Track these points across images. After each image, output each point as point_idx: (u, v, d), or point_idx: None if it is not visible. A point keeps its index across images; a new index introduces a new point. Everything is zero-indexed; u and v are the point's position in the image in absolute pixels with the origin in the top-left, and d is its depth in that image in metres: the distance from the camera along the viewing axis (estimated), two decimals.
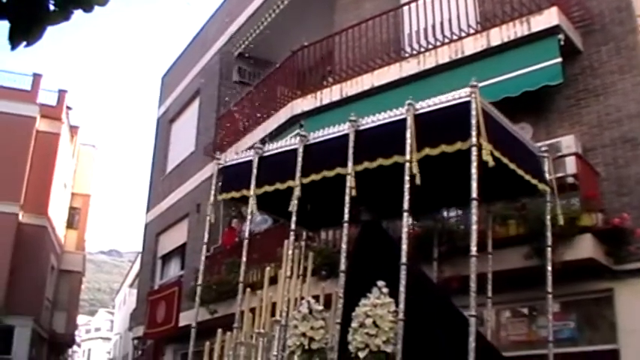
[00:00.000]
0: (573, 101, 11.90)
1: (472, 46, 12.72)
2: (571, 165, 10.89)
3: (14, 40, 3.26)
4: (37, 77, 32.60)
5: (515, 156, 7.85)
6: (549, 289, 8.78)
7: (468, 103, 7.21)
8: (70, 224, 40.43)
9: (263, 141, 16.67)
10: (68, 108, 35.91)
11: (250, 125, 18.30)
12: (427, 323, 7.53)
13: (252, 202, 8.93)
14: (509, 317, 11.72)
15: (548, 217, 9.04)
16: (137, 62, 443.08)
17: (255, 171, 9.00)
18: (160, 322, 21.01)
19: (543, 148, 9.30)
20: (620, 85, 11.44)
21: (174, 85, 27.82)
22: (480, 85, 11.90)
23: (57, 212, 34.87)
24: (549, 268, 8.78)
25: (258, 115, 17.94)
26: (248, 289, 9.06)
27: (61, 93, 34.43)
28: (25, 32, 3.25)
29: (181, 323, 18.98)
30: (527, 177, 8.17)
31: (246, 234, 9.64)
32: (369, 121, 8.07)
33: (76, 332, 47.27)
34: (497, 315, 11.80)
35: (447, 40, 13.28)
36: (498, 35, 12.33)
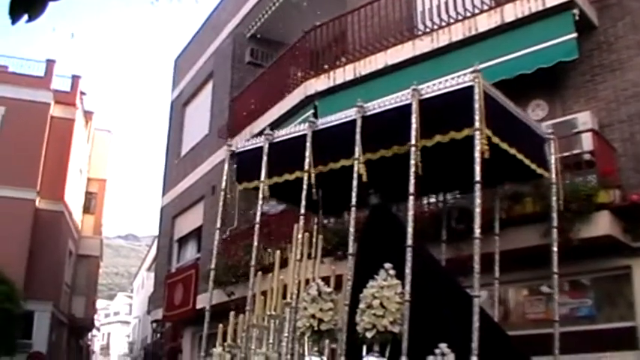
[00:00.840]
0: (589, 77, 11.77)
1: (486, 22, 12.58)
2: (587, 141, 10.79)
3: (15, 13, 3.17)
4: (50, 63, 32.63)
5: (517, 140, 7.90)
6: (555, 269, 8.82)
7: (471, 87, 7.22)
8: (87, 209, 40.61)
9: (277, 123, 16.68)
10: (82, 93, 35.97)
11: (264, 106, 18.26)
12: (434, 304, 7.62)
13: (263, 189, 9.08)
14: (526, 295, 11.67)
15: (554, 198, 9.04)
16: (150, 46, 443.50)
17: (265, 158, 9.10)
18: (177, 305, 21.13)
19: (550, 130, 9.21)
20: (636, 60, 11.29)
21: (187, 68, 27.80)
22: (494, 62, 12.01)
23: (73, 197, 35.04)
24: (555, 249, 8.83)
25: (272, 96, 17.89)
26: (260, 272, 9.16)
27: (75, 79, 34.46)
28: (26, 5, 3.17)
29: (199, 305, 19.06)
30: (527, 162, 8.25)
31: (257, 218, 9.70)
32: (376, 106, 8.11)
33: (95, 316, 47.63)
34: (515, 293, 11.77)
35: (460, 17, 13.15)
36: (512, 11, 12.18)
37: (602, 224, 9.98)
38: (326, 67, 15.71)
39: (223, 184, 10.21)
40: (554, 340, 8.73)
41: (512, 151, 7.81)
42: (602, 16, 11.89)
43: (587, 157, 10.75)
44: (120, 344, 79.44)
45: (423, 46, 13.66)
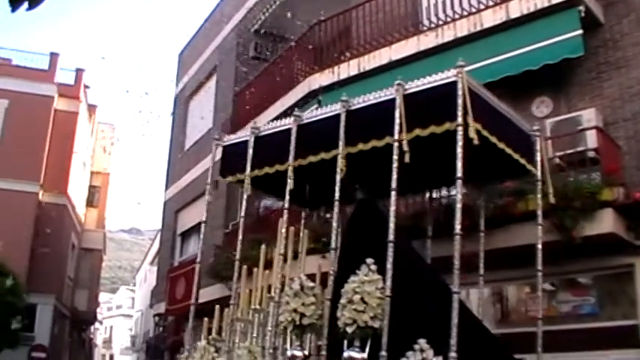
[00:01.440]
0: (594, 74, 11.72)
1: (491, 18, 12.54)
2: (592, 139, 10.76)
3: (15, 1, 3.13)
4: (54, 56, 32.61)
5: (505, 135, 7.93)
6: (539, 267, 8.80)
7: (455, 83, 7.30)
8: (90, 203, 40.63)
9: (280, 117, 16.64)
10: (86, 87, 35.97)
11: (268, 101, 18.23)
12: (416, 300, 7.65)
13: (247, 183, 9.14)
14: (528, 292, 11.63)
15: (539, 195, 9.02)
16: (154, 40, 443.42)
17: (250, 151, 9.17)
18: (180, 299, 21.12)
19: (536, 127, 9.20)
20: None
21: (191, 62, 27.78)
22: (500, 58, 11.96)
23: (77, 191, 35.06)
24: (539, 247, 8.81)
25: (276, 90, 17.86)
26: (244, 267, 9.26)
27: (79, 72, 34.46)
28: None
29: (201, 299, 19.04)
30: (516, 156, 8.26)
31: (242, 213, 9.87)
32: (361, 101, 8.17)
33: (98, 310, 47.73)
34: (517, 290, 11.75)
35: (465, 13, 13.11)
36: (518, 7, 12.13)
37: (605, 222, 9.93)
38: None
39: (209, 179, 10.54)
40: (537, 338, 8.69)
41: (502, 145, 7.83)
42: (607, 13, 11.84)
43: (591, 154, 10.72)
44: (122, 337, 79.52)
45: (427, 41, 13.62)
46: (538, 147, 9.01)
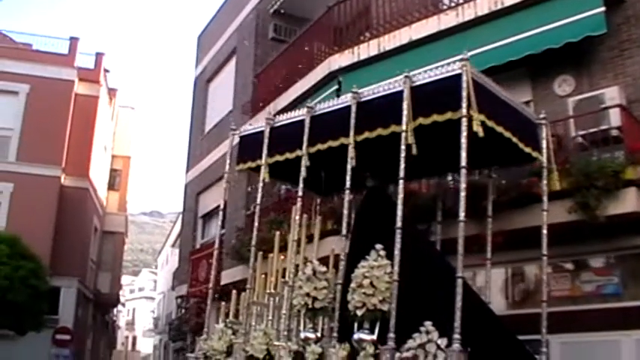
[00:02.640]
0: (617, 52, 11.59)
1: None
2: (615, 117, 10.66)
3: None
4: (74, 41, 32.64)
5: (510, 124, 8.14)
6: (544, 252, 8.93)
7: (459, 75, 7.45)
8: (112, 186, 40.82)
9: (301, 99, 16.64)
10: (106, 71, 36.02)
11: (288, 82, 18.21)
12: (425, 284, 7.85)
13: (263, 172, 9.49)
14: (551, 272, 11.57)
15: (545, 182, 9.17)
16: (173, 22, 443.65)
17: (266, 142, 9.47)
18: (202, 281, 21.25)
19: (542, 116, 9.32)
20: None
21: (210, 45, 27.78)
22: (521, 36, 11.87)
23: (98, 174, 35.23)
24: (545, 231, 8.95)
25: (296, 72, 17.83)
26: (260, 252, 9.69)
27: (99, 56, 34.50)
28: None
29: (223, 282, 19.14)
30: (521, 145, 8.45)
31: (258, 200, 10.17)
32: (370, 93, 8.42)
33: (121, 292, 48.05)
34: (539, 270, 11.70)
35: None
36: None
37: (629, 201, 9.83)
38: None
39: (227, 167, 10.86)
40: (542, 319, 8.76)
41: (508, 134, 8.03)
42: None
43: (614, 133, 10.62)
44: (145, 320, 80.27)
45: (448, 20, 13.54)
46: (544, 135, 9.13)
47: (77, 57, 32.52)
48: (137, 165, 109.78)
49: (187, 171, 28.48)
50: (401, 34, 14.41)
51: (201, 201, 26.08)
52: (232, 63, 25.11)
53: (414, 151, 7.48)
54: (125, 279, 67.73)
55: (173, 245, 50.95)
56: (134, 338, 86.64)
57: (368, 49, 15.09)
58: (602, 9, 11.20)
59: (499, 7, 12.61)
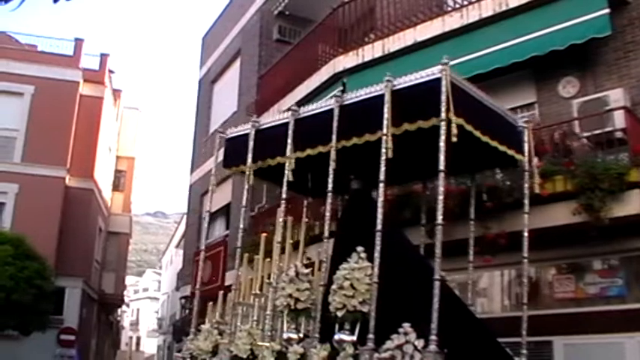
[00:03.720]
0: (621, 53, 11.59)
1: None
2: (619, 119, 10.65)
3: None
4: (79, 42, 32.69)
5: (490, 129, 8.20)
6: (525, 255, 8.94)
7: (439, 80, 7.49)
8: (116, 187, 40.87)
9: (305, 100, 16.65)
10: (110, 72, 36.06)
11: (292, 84, 18.23)
12: (405, 286, 7.95)
13: (248, 174, 9.61)
14: (555, 274, 11.58)
15: (526, 185, 9.14)
16: (178, 23, 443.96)
17: (251, 144, 9.59)
18: (206, 282, 21.25)
19: (524, 119, 9.33)
20: None
21: (214, 46, 27.82)
22: (526, 38, 11.88)
23: (103, 175, 35.28)
24: (526, 234, 8.95)
25: (300, 73, 17.85)
26: (246, 254, 10.13)
27: (103, 57, 34.55)
28: None
29: (227, 282, 19.17)
30: (503, 148, 8.49)
31: (243, 202, 10.31)
32: (353, 97, 8.50)
33: (125, 292, 48.10)
34: (544, 272, 11.71)
35: None
36: None
37: (633, 203, 9.82)
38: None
39: (213, 169, 11.04)
40: (522, 322, 8.73)
41: (485, 138, 8.08)
42: None
43: (618, 135, 10.62)
44: (149, 320, 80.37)
45: (452, 22, 13.56)
46: (526, 138, 9.13)
47: (82, 58, 32.58)
48: (141, 166, 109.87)
49: (192, 172, 28.51)
50: (405, 36, 14.42)
51: (205, 202, 26.06)
52: (237, 64, 25.15)
53: (390, 154, 7.54)
54: (129, 279, 67.77)
55: (177, 246, 50.99)
56: (138, 339, 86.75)
57: (372, 50, 15.10)
58: (607, 10, 11.19)
59: (503, 8, 12.62)
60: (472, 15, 13.18)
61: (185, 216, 34.35)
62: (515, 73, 12.51)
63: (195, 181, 27.49)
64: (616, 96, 11.02)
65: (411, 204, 11.16)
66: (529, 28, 12.03)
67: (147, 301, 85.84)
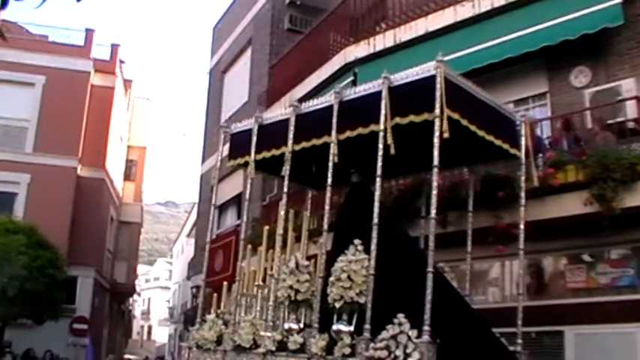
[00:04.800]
0: (634, 43, 11.55)
1: None
2: (632, 109, 10.64)
3: None
4: (89, 32, 32.73)
5: (486, 123, 8.38)
6: (521, 246, 9.12)
7: (434, 77, 7.65)
8: (127, 176, 41.01)
9: (316, 90, 16.67)
10: (121, 62, 36.10)
11: (303, 74, 18.23)
12: (402, 277, 8.11)
13: (251, 167, 9.87)
14: (566, 264, 11.59)
15: (523, 178, 9.32)
16: (188, 12, 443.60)
17: (254, 139, 9.80)
18: (217, 271, 21.33)
19: (521, 114, 9.53)
20: None
21: (225, 36, 27.81)
22: (538, 27, 11.85)
23: (114, 165, 35.39)
24: (522, 226, 9.17)
25: (311, 63, 17.85)
26: (249, 246, 10.43)
27: (114, 47, 34.60)
28: None
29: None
30: (498, 142, 8.69)
31: (247, 195, 10.83)
32: (352, 93, 8.73)
33: (136, 282, 48.32)
34: (555, 262, 11.72)
35: None
36: None
37: None
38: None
39: (217, 163, 11.45)
40: (518, 312, 8.92)
41: (481, 132, 8.26)
42: None
43: (631, 124, 10.60)
44: (160, 309, 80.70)
45: (464, 11, 13.53)
46: (523, 132, 9.26)
47: (93, 48, 32.63)
48: (152, 155, 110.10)
49: (203, 161, 28.58)
50: (417, 25, 14.40)
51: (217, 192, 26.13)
52: (248, 54, 25.15)
53: (392, 150, 7.70)
54: (141, 268, 68.03)
55: (188, 235, 51.15)
56: (149, 327, 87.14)
57: (384, 40, 15.09)
58: (620, 0, 11.15)
59: None
60: (484, 4, 13.15)
61: (196, 205, 34.44)
62: (527, 62, 12.48)
63: (206, 171, 27.55)
64: (628, 86, 11.00)
65: (423, 193, 11.18)
66: (541, 18, 12.00)
67: (158, 290, 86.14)
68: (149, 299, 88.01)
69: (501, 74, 12.83)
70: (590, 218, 9.99)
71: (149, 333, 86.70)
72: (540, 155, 10.65)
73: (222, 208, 25.80)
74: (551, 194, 10.30)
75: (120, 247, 38.84)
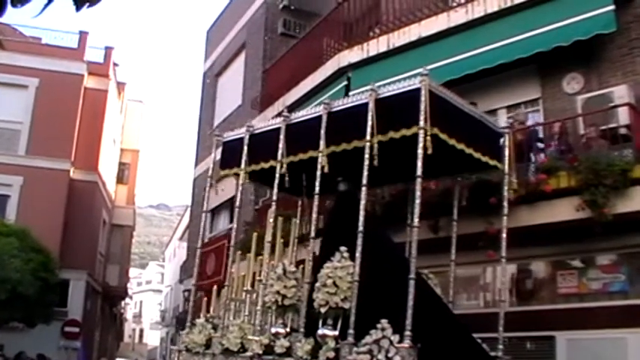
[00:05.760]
0: (626, 50, 11.59)
1: None
2: (624, 115, 10.68)
3: (79, 1, 3.24)
4: (83, 35, 32.68)
5: (467, 136, 8.57)
6: (504, 254, 9.24)
7: (419, 90, 7.83)
8: (120, 179, 40.91)
9: (310, 94, 16.70)
10: (115, 64, 36.06)
11: (297, 78, 18.25)
12: (386, 284, 8.31)
13: (242, 176, 10.16)
14: (558, 269, 11.62)
15: (506, 187, 9.44)
16: (182, 16, 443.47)
17: (246, 148, 10.02)
18: (209, 275, 21.33)
19: (504, 125, 9.77)
20: None
21: (219, 39, 27.82)
22: (531, 34, 11.91)
23: (107, 168, 35.31)
24: (504, 235, 9.27)
25: (305, 67, 17.87)
26: (239, 252, 10.67)
27: (108, 50, 34.55)
28: None
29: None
30: (477, 155, 8.86)
31: (237, 202, 11.05)
32: (340, 104, 8.94)
33: (128, 285, 48.20)
34: (547, 267, 11.76)
35: None
36: None
37: (637, 199, 9.83)
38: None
39: (210, 171, 11.74)
40: (499, 319, 9.02)
41: (461, 146, 8.44)
42: None
43: (623, 131, 10.65)
44: (152, 312, 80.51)
45: (457, 17, 13.56)
46: (506, 143, 9.44)
47: (86, 51, 32.59)
48: (145, 158, 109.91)
49: (196, 165, 28.55)
50: (410, 31, 14.43)
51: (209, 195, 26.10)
52: (241, 58, 25.17)
53: (375, 162, 7.92)
54: (133, 271, 67.90)
55: (180, 238, 51.06)
56: (141, 331, 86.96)
57: (377, 45, 15.11)
58: (612, 7, 11.20)
59: (509, 4, 12.63)
60: (477, 10, 13.19)
61: (189, 208, 34.40)
62: (520, 68, 12.53)
63: (199, 174, 27.53)
64: (620, 92, 11.03)
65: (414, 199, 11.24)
66: (534, 24, 12.04)
67: (150, 294, 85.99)
68: (141, 302, 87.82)
69: (494, 80, 12.88)
70: (581, 224, 10.03)
71: (141, 336, 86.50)
72: (532, 159, 10.78)
73: (214, 212, 25.77)
74: (543, 200, 10.35)
75: (112, 250, 38.75)
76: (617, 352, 10.30)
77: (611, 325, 10.42)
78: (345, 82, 15.35)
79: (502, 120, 13.04)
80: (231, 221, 23.08)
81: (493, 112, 13.01)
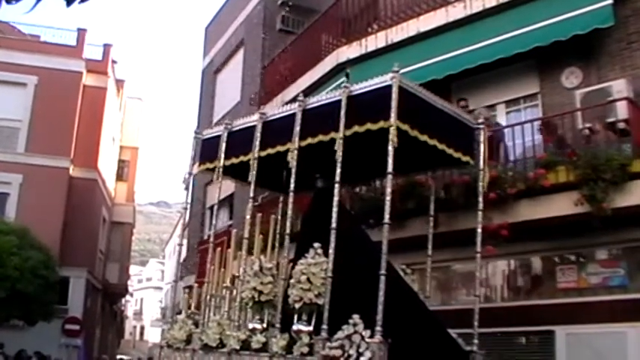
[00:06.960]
0: (625, 44, 11.60)
1: None
2: (622, 110, 10.66)
3: None
4: (81, 32, 32.64)
5: (438, 132, 8.57)
6: (479, 249, 9.07)
7: (390, 87, 7.85)
8: (120, 177, 40.92)
9: (308, 90, 16.68)
10: (114, 62, 36.03)
11: (296, 74, 18.24)
12: (360, 280, 8.27)
13: (218, 171, 10.18)
14: (557, 264, 11.63)
15: (481, 183, 9.28)
16: (181, 13, 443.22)
17: (223, 145, 10.09)
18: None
19: (479, 120, 9.54)
20: None
21: (218, 36, 27.78)
22: (529, 28, 11.90)
23: (106, 165, 35.32)
24: (479, 230, 9.10)
25: (304, 63, 17.85)
26: (218, 249, 10.70)
27: (106, 47, 34.51)
28: None
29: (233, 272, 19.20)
30: (450, 151, 8.84)
31: (216, 199, 11.62)
32: (315, 101, 9.03)
33: (129, 282, 48.22)
34: (546, 262, 11.77)
35: None
36: None
37: (636, 193, 9.82)
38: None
39: (189, 168, 11.74)
40: (474, 314, 8.88)
41: (433, 141, 8.44)
42: None
43: (621, 125, 10.64)
44: (152, 309, 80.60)
45: (456, 12, 13.56)
46: (481, 139, 9.32)
47: (85, 48, 32.56)
48: (145, 155, 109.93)
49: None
50: (409, 26, 14.42)
51: (209, 192, 26.15)
52: (240, 54, 25.13)
53: (339, 156, 8.00)
54: (133, 269, 67.88)
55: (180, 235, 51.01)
56: (142, 328, 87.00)
57: (376, 40, 15.10)
58: (611, 1, 11.20)
59: None
60: (475, 5, 13.18)
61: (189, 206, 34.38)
62: (518, 63, 12.53)
63: (198, 171, 27.48)
64: (619, 87, 11.02)
65: (415, 194, 11.24)
66: (532, 19, 12.04)
67: (150, 291, 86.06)
68: (141, 300, 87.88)
69: (493, 75, 12.88)
70: (580, 218, 10.03)
71: (141, 333, 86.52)
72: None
73: (213, 209, 25.76)
74: (542, 194, 10.35)
75: (112, 248, 38.78)
76: (617, 346, 10.31)
77: (611, 319, 10.43)
78: (343, 78, 15.33)
79: (501, 115, 13.08)
80: (231, 218, 23.10)
81: (492, 107, 13.03)
